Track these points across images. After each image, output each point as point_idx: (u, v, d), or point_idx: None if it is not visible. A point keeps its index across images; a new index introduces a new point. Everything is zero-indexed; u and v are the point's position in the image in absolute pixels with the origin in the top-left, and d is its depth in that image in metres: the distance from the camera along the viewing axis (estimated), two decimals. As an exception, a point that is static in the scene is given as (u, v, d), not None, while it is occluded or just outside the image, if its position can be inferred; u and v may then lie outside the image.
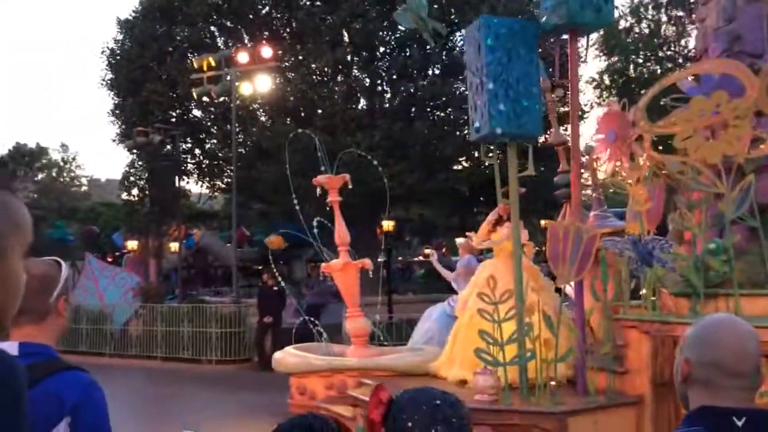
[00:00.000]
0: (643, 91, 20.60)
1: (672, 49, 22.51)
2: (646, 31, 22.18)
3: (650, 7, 21.93)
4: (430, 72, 17.23)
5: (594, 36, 22.50)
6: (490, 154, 5.67)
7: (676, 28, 22.07)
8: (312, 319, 7.42)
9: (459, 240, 8.51)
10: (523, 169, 5.51)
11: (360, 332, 6.45)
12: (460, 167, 18.00)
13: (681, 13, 21.70)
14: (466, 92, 15.78)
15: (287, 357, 6.17)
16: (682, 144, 4.12)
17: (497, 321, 4.35)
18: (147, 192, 20.36)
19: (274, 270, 16.93)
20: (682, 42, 22.47)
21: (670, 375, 3.62)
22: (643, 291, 4.58)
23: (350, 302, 6.53)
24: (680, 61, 22.66)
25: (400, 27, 17.30)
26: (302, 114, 17.49)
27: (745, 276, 4.00)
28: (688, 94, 4.36)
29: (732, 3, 4.78)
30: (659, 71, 22.50)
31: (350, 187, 6.72)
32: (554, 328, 4.27)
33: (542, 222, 24.12)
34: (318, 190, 6.66)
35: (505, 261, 5.29)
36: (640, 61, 22.36)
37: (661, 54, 22.31)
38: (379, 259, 19.51)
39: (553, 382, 4.24)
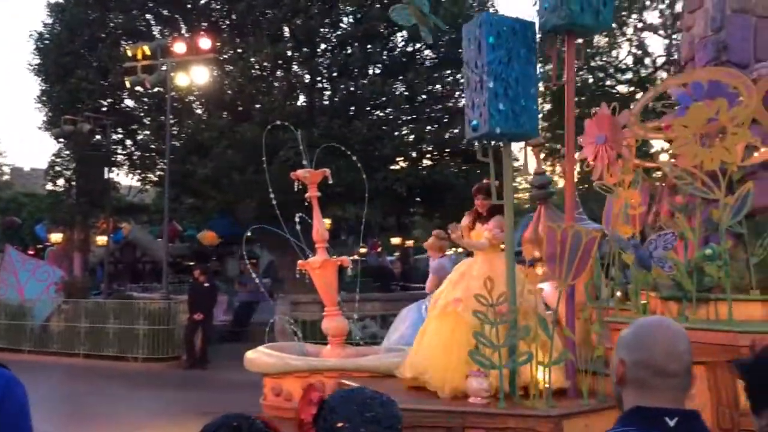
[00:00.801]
0: (576, 98, 21.03)
1: (603, 59, 23.12)
2: (580, 41, 22.70)
3: (584, 18, 22.46)
4: (370, 71, 17.10)
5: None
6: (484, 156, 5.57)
7: (608, 39, 22.67)
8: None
9: (428, 241, 8.30)
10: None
11: (338, 332, 6.31)
12: (397, 167, 18.00)
13: (614, 25, 22.32)
14: (406, 92, 15.75)
15: (262, 357, 6.00)
16: (680, 150, 4.15)
17: (494, 323, 4.25)
18: (74, 183, 19.52)
19: (208, 266, 16.56)
20: (614, 53, 23.13)
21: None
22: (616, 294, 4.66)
23: (328, 300, 6.38)
24: (611, 71, 23.31)
25: (341, 24, 17.16)
26: (240, 108, 17.04)
27: (730, 281, 4.02)
28: (679, 100, 4.43)
29: (720, 13, 4.87)
30: (590, 80, 23.08)
31: (330, 181, 6.50)
32: (549, 330, 4.21)
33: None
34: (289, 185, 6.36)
35: (487, 259, 5.10)
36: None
37: (593, 64, 22.88)
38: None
39: (547, 385, 4.17)
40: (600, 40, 22.54)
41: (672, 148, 4.22)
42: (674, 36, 21.68)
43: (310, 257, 6.93)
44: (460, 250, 6.30)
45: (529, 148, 5.80)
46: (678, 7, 21.22)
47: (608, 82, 23.27)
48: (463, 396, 4.46)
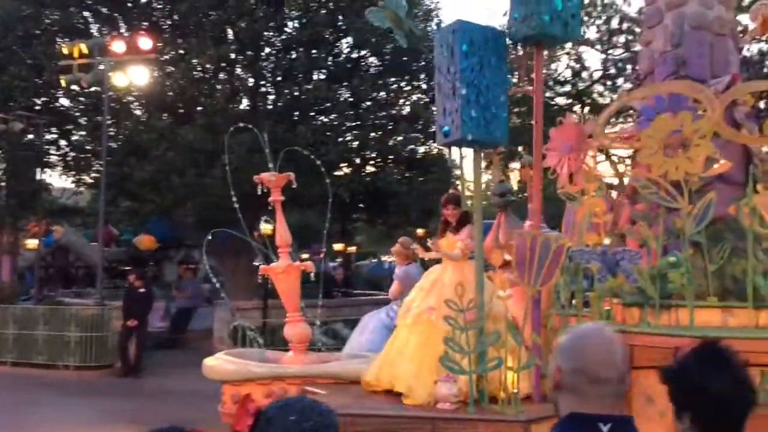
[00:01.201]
0: (516, 109, 21.34)
1: (543, 71, 23.55)
2: (521, 52, 23.10)
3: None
4: (315, 76, 16.97)
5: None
6: (455, 160, 5.54)
7: (548, 52, 23.14)
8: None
9: (394, 247, 8.22)
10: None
11: (300, 338, 6.10)
12: (341, 173, 17.90)
13: (554, 39, 22.78)
14: (350, 98, 15.65)
15: (223, 364, 5.83)
16: (646, 160, 4.25)
17: (464, 329, 4.27)
18: (3, 183, 18.69)
19: (145, 270, 16.04)
20: (553, 66, 23.60)
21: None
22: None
23: (291, 306, 6.22)
24: (550, 83, 23.78)
25: (286, 29, 16.97)
26: (181, 110, 16.67)
27: (676, 288, 4.15)
28: (642, 112, 4.55)
29: (679, 29, 5.03)
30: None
31: (294, 185, 6.39)
32: (518, 336, 4.26)
33: (418, 231, 24.54)
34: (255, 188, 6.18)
35: (458, 266, 5.13)
36: (514, 80, 23.23)
37: (533, 76, 23.30)
38: (255, 263, 19.04)
39: (515, 390, 4.22)
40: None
41: (639, 157, 4.29)
42: (609, 51, 22.28)
43: (258, 262, 6.80)
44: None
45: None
46: (614, 23, 21.84)
47: (547, 94, 23.71)
48: (435, 402, 4.46)
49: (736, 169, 4.76)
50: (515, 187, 7.16)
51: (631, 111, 5.21)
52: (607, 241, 4.64)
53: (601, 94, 22.98)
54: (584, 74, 23.26)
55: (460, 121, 4.23)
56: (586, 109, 23.41)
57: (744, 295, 4.24)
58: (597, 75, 23.08)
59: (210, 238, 7.09)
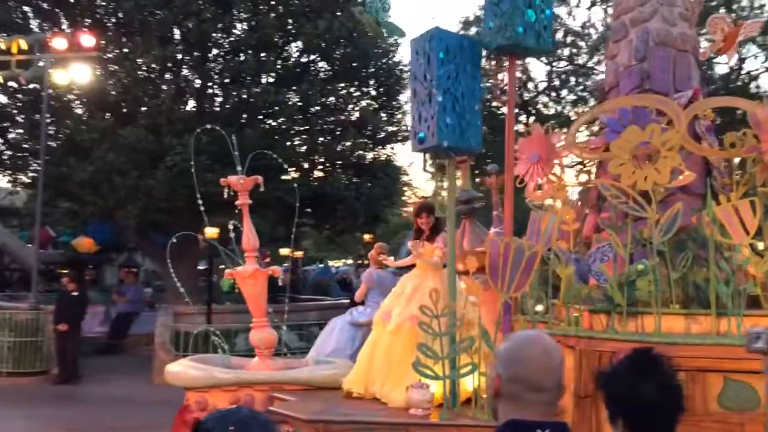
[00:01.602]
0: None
1: (491, 81, 23.82)
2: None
3: (474, 41, 23.07)
4: (263, 80, 16.73)
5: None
6: (431, 166, 5.60)
7: (495, 63, 23.40)
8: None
9: (371, 252, 8.22)
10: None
11: (267, 344, 6.01)
12: (289, 177, 17.68)
13: (500, 50, 23.06)
14: (299, 102, 15.44)
15: (188, 370, 5.69)
16: (616, 170, 4.31)
17: (439, 334, 4.26)
18: (-66, 182, 17.79)
19: (80, 273, 15.43)
20: (500, 76, 23.88)
21: (592, 388, 3.76)
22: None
23: (257, 312, 6.11)
24: (497, 93, 24.07)
25: (235, 31, 16.67)
26: (124, 110, 16.18)
27: (644, 295, 4.22)
28: (608, 124, 4.61)
29: (644, 44, 5.14)
30: (479, 101, 23.74)
31: (262, 189, 6.37)
32: (491, 341, 4.27)
33: (365, 236, 24.48)
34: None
35: (438, 274, 5.16)
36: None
37: (481, 85, 23.54)
38: (199, 267, 18.61)
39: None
40: (486, 63, 23.22)
41: (609, 168, 4.31)
42: (554, 63, 22.68)
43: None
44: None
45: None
46: (558, 36, 22.24)
47: (494, 104, 23.98)
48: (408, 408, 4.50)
49: (697, 181, 4.88)
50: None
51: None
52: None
53: (545, 105, 23.38)
54: (530, 85, 23.64)
55: (436, 128, 4.23)
56: (531, 119, 23.79)
57: (705, 302, 4.35)
58: (542, 86, 23.49)
59: (174, 241, 6.87)
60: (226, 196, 6.28)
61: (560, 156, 4.95)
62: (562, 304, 4.63)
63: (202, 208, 6.54)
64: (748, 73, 19.67)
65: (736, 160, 4.89)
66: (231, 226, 6.45)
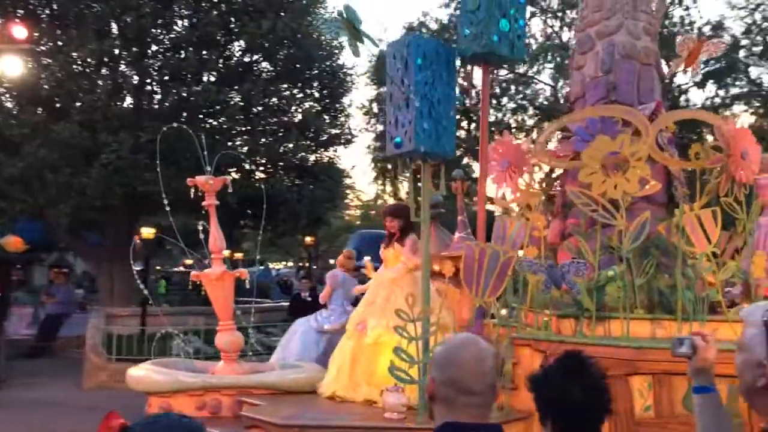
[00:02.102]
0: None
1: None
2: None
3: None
4: (205, 78, 16.31)
5: (365, 65, 23.22)
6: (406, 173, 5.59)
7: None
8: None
9: (338, 259, 8.15)
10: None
11: (233, 347, 5.89)
12: (229, 178, 17.29)
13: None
14: (241, 102, 15.06)
15: (152, 374, 5.54)
16: (587, 179, 4.42)
17: (415, 338, 4.28)
18: None
19: (6, 274, 14.66)
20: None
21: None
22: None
23: (223, 315, 6.00)
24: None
25: (175, 27, 16.21)
26: (57, 105, 15.52)
27: (613, 300, 4.34)
28: (577, 133, 4.73)
29: (610, 57, 5.26)
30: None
31: (230, 190, 5.99)
32: None
33: (306, 238, 24.21)
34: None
35: (412, 279, 5.18)
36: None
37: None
38: (135, 268, 17.97)
39: None
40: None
41: (580, 176, 4.41)
42: (495, 71, 22.93)
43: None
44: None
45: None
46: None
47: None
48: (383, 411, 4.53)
49: (659, 190, 5.03)
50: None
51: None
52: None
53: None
54: (472, 92, 23.85)
55: (413, 133, 4.28)
56: (473, 125, 23.99)
57: (668, 307, 4.49)
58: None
59: (138, 241, 6.58)
60: (192, 196, 6.08)
61: (529, 163, 5.06)
62: (528, 309, 4.69)
63: (167, 208, 6.34)
64: (679, 86, 20.36)
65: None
66: (200, 227, 6.27)
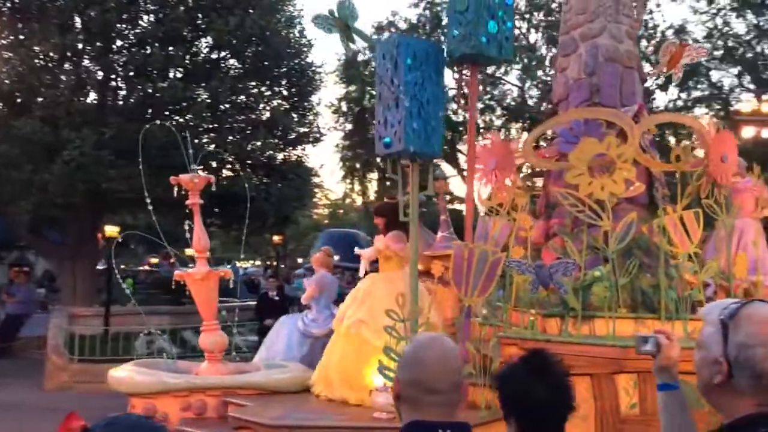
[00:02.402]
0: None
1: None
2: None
3: (386, 45, 23.07)
4: (171, 74, 16.02)
5: (334, 64, 23.10)
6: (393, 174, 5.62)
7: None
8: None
9: (316, 255, 7.93)
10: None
11: (217, 347, 5.84)
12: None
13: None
14: (208, 99, 14.84)
15: (134, 376, 5.47)
16: (574, 180, 4.50)
17: (404, 338, 4.31)
18: None
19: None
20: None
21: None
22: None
23: (207, 314, 5.96)
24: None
25: (141, 22, 15.89)
26: (18, 100, 15.12)
27: (599, 300, 4.40)
28: (561, 135, 4.85)
29: (593, 59, 5.33)
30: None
31: (213, 189, 5.91)
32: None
33: (274, 237, 23.98)
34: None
35: (389, 278, 5.21)
36: (375, 93, 23.39)
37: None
38: (99, 267, 17.60)
39: None
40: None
41: (567, 177, 4.50)
42: (464, 72, 22.97)
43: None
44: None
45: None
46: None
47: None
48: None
49: (642, 192, 5.14)
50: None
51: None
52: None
53: (455, 112, 23.65)
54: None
55: (403, 133, 4.29)
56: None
57: (651, 306, 4.56)
58: (452, 93, 23.76)
59: (119, 241, 6.43)
60: (175, 194, 6.00)
61: (515, 164, 5.13)
62: (513, 308, 4.74)
63: (150, 207, 6.24)
64: (645, 89, 20.61)
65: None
66: (186, 227, 6.23)
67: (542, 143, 5.55)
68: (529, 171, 5.71)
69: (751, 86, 19.98)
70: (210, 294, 6.00)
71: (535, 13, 21.11)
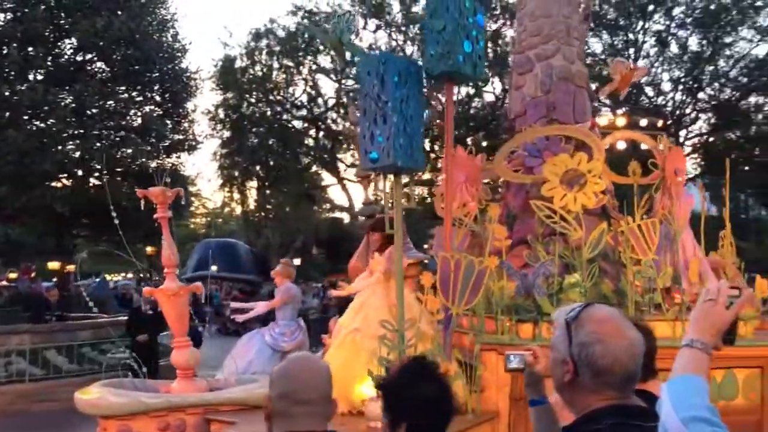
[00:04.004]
0: (254, 129, 21.08)
1: (281, 94, 23.60)
2: (260, 74, 22.86)
3: (264, 52, 22.68)
4: (31, 76, 14.87)
5: (211, 70, 22.35)
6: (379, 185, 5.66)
7: (286, 76, 23.21)
8: None
9: (277, 269, 7.39)
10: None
11: (189, 364, 5.58)
12: (59, 185, 15.89)
13: (290, 63, 22.91)
14: (73, 104, 13.93)
15: (107, 396, 5.20)
16: (549, 193, 4.74)
17: (399, 347, 4.35)
18: None
19: None
20: (290, 89, 23.74)
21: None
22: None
23: (179, 331, 5.70)
24: (288, 106, 23.85)
25: (-2, 22, 14.67)
26: None
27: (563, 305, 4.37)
28: (526, 150, 5.13)
29: (549, 78, 5.64)
30: (269, 113, 23.33)
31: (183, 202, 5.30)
32: (442, 352, 4.41)
33: (147, 248, 22.82)
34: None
35: (386, 288, 5.19)
36: (253, 100, 22.88)
37: (271, 97, 23.18)
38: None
39: None
40: (279, 75, 23.01)
41: (542, 190, 4.76)
42: (342, 81, 23.04)
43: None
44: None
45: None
46: (348, 56, 22.59)
47: (285, 117, 23.77)
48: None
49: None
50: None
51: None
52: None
53: (334, 121, 23.65)
54: (320, 101, 23.79)
55: (391, 149, 4.41)
56: (321, 133, 23.92)
57: None
58: (331, 102, 23.75)
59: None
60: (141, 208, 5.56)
61: (483, 177, 5.35)
62: (487, 316, 4.82)
63: (116, 221, 5.79)
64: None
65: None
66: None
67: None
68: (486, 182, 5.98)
69: (607, 101, 21.39)
70: (182, 310, 5.73)
71: (411, 26, 21.50)
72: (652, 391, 1.62)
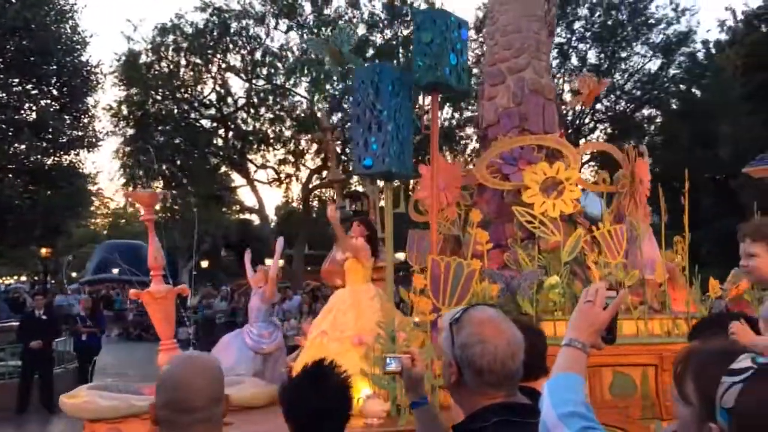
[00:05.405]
0: (160, 127, 20.40)
1: (189, 92, 22.89)
2: (166, 70, 22.09)
3: (171, 48, 21.94)
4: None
5: (114, 64, 21.37)
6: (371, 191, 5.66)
7: (194, 74, 22.54)
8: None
9: (256, 276, 7.21)
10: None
11: None
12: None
13: (199, 61, 22.26)
14: (26, 100, 12.95)
15: (96, 399, 5.15)
16: (530, 200, 5.01)
17: (392, 348, 4.41)
18: None
19: None
20: (198, 87, 23.06)
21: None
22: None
23: (166, 334, 5.68)
24: (196, 105, 23.16)
25: None
26: None
27: (551, 305, 4.72)
28: (503, 158, 5.46)
29: (521, 90, 5.89)
30: (176, 111, 22.57)
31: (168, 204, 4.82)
32: (433, 352, 4.42)
33: (42, 250, 21.56)
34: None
35: (353, 291, 5.36)
36: (159, 98, 22.05)
37: (178, 95, 22.44)
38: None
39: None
40: (186, 73, 22.33)
41: (523, 196, 5.03)
42: (253, 81, 22.64)
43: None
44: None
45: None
46: (257, 56, 22.21)
47: (193, 115, 23.08)
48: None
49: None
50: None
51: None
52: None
53: (245, 121, 23.19)
54: (229, 100, 23.26)
55: (386, 156, 4.57)
56: (230, 133, 23.37)
57: None
58: (241, 102, 23.26)
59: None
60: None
61: (460, 183, 5.62)
62: None
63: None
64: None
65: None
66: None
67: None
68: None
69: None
70: (167, 312, 5.66)
71: (323, 29, 21.38)
72: (539, 390, 1.65)
